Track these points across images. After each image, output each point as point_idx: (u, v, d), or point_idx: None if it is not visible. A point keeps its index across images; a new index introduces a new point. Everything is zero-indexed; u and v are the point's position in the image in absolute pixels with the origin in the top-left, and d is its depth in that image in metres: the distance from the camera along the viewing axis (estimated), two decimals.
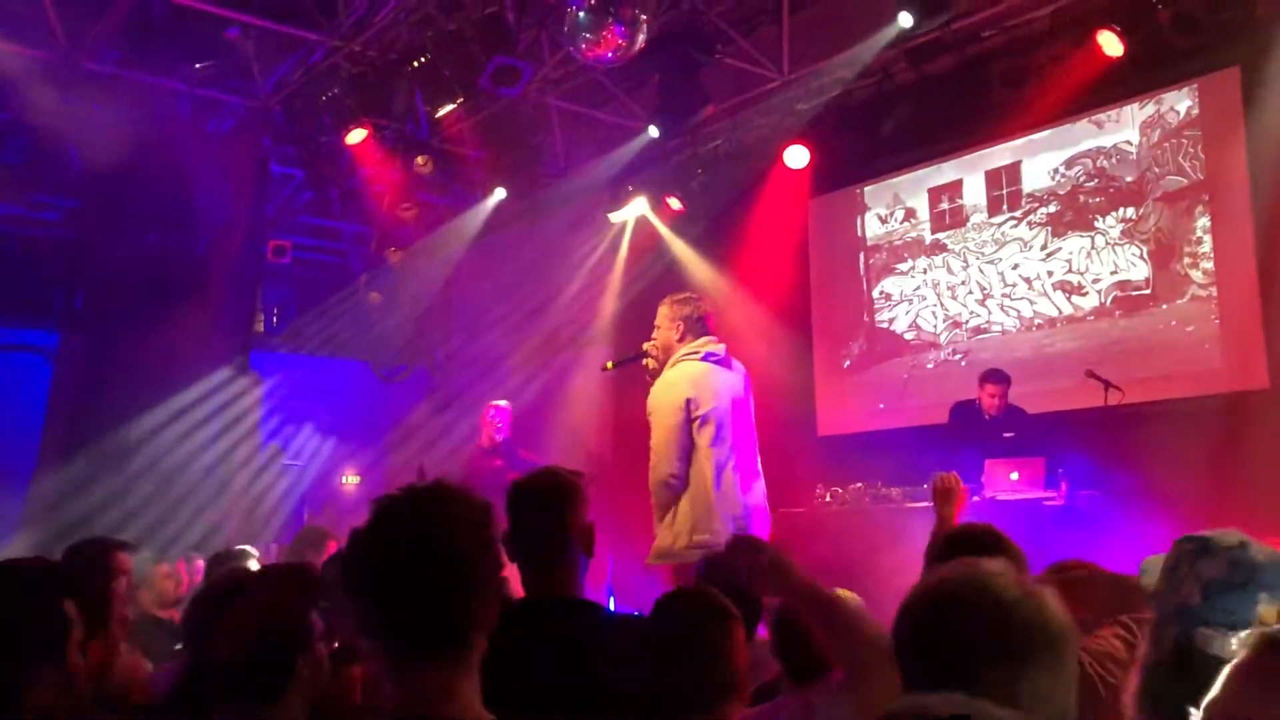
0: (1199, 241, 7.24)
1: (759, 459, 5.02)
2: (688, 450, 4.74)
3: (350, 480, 10.63)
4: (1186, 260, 7.29)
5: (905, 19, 6.63)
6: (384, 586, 1.72)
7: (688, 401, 4.75)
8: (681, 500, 4.74)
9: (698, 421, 4.75)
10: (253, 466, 9.30)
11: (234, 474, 8.90)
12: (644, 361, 5.02)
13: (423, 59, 7.61)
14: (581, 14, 6.48)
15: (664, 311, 5.02)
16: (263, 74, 8.54)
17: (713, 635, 2.39)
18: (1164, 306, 7.37)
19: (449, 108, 7.90)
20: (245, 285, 9.58)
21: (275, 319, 11.52)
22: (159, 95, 8.62)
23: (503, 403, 8.17)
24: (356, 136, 8.30)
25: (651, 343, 5.02)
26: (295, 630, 2.22)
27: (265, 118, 8.94)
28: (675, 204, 9.39)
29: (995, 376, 7.01)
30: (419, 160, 9.10)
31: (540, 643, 2.46)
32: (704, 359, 4.88)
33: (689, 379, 4.81)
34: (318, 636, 2.27)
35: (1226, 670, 1.49)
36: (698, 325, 4.95)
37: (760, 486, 4.96)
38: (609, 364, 5.19)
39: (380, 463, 10.57)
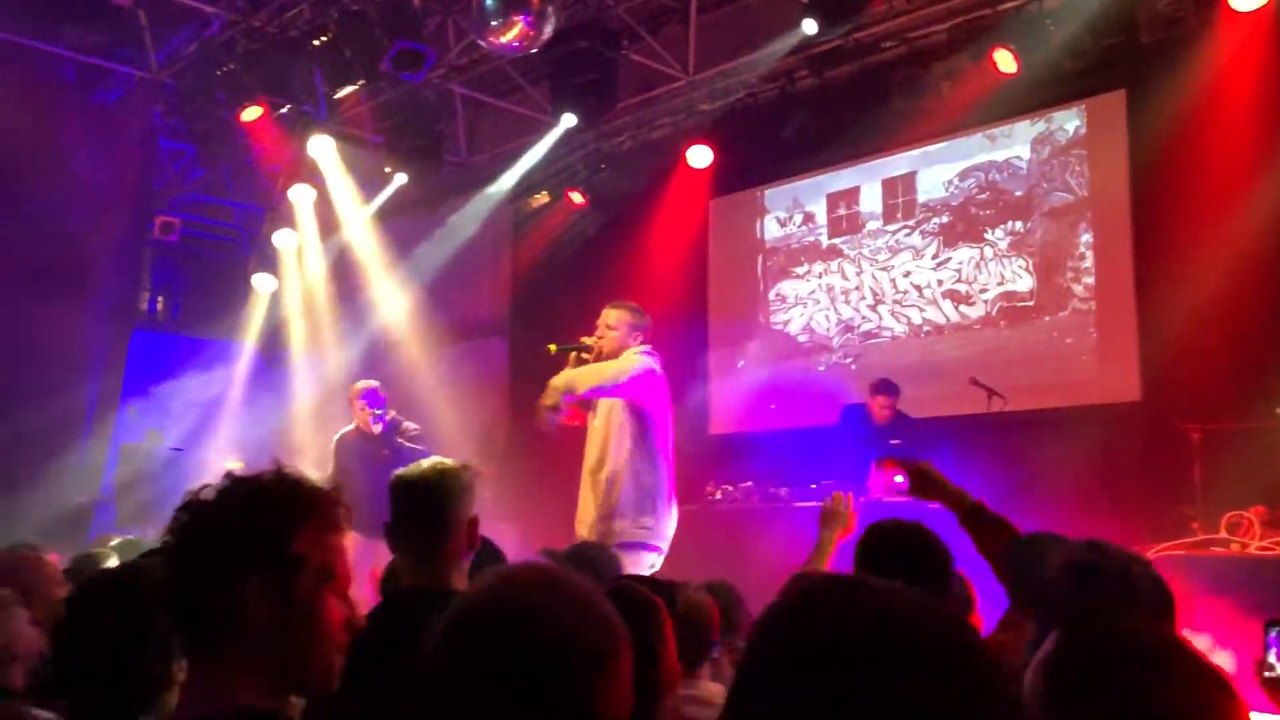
0: (1081, 257, 7.50)
1: None
2: (628, 420, 4.89)
3: (233, 466, 10.33)
4: (1069, 274, 7.55)
5: (809, 26, 6.71)
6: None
7: (649, 372, 4.90)
8: (623, 482, 4.85)
9: (649, 408, 4.92)
10: (132, 451, 9.00)
11: (108, 460, 8.61)
12: (583, 355, 5.07)
13: (324, 38, 7.45)
14: (489, 2, 6.42)
15: (620, 316, 5.07)
16: (155, 44, 8.26)
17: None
18: (1046, 318, 7.62)
19: (349, 89, 7.76)
20: (128, 262, 9.25)
21: (161, 299, 11.16)
22: (41, 60, 8.27)
23: (373, 383, 6.91)
24: (252, 114, 8.07)
25: (598, 340, 5.05)
26: None
27: (156, 90, 8.65)
28: (577, 198, 9.37)
29: (886, 389, 7.13)
30: (315, 142, 8.90)
31: (412, 636, 2.42)
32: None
33: (649, 365, 4.94)
34: None
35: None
36: (644, 334, 5.10)
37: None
38: (552, 346, 5.20)
39: (266, 449, 10.30)
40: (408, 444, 6.62)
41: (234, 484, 1.55)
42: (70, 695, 2.08)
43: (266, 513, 1.53)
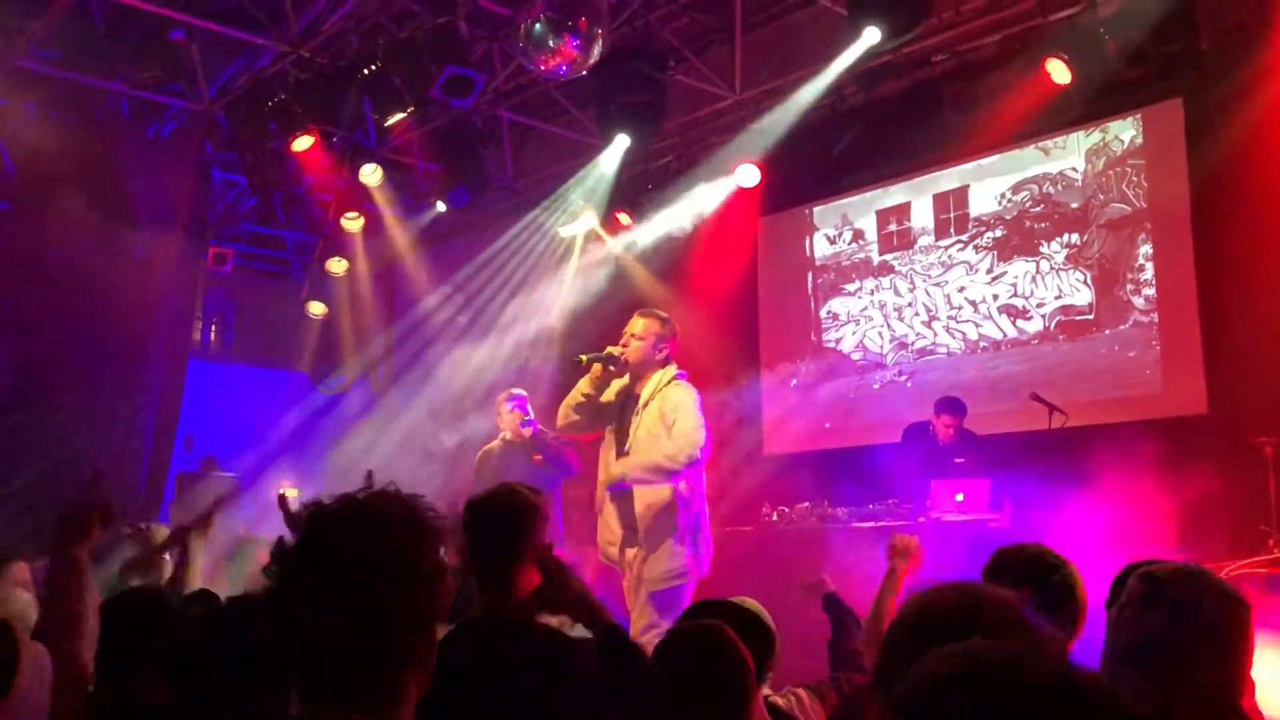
0: (1141, 269, 7.36)
1: None
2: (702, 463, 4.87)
3: (288, 492, 10.40)
4: (1129, 287, 7.40)
5: (872, 34, 6.63)
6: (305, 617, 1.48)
7: (705, 425, 4.87)
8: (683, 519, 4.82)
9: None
10: (188, 480, 9.09)
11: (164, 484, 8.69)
12: (609, 367, 5.01)
13: (373, 67, 7.51)
14: (537, 26, 6.44)
15: (647, 326, 5.03)
16: (207, 78, 8.37)
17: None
18: (1106, 332, 7.48)
19: (399, 117, 7.81)
20: (183, 292, 9.36)
21: (215, 327, 11.29)
22: (97, 96, 8.43)
23: (519, 390, 6.84)
24: (303, 143, 8.15)
25: (623, 350, 5.01)
26: None
27: (208, 122, 8.76)
28: (625, 219, 9.36)
29: (952, 408, 6.99)
30: (366, 170, 8.97)
31: (488, 665, 2.40)
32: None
33: (700, 413, 4.89)
34: None
35: None
36: (670, 345, 5.04)
37: None
38: (583, 357, 5.13)
39: (320, 474, 10.37)
40: (559, 443, 6.41)
41: None
42: None
43: None
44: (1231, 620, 2.02)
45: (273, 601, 1.53)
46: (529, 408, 6.64)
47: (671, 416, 4.85)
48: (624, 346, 5.02)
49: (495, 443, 6.78)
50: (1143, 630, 2.00)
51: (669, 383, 4.98)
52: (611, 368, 5.02)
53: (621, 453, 5.00)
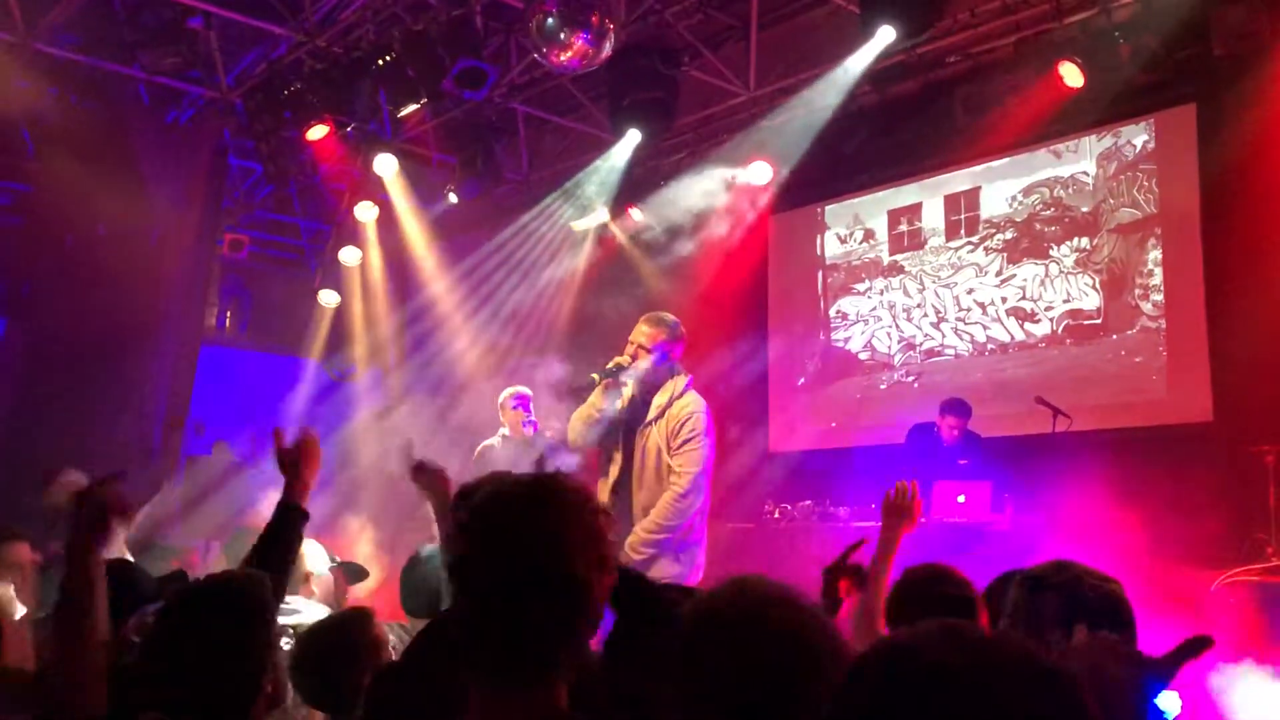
0: (1150, 274, 7.34)
1: None
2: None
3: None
4: (1138, 292, 7.39)
5: (887, 34, 6.61)
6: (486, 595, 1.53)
7: (713, 442, 4.88)
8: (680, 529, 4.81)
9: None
10: (198, 465, 9.17)
11: (174, 469, 8.77)
12: (620, 378, 4.97)
13: (388, 58, 7.55)
14: (550, 20, 6.46)
15: (653, 335, 4.93)
16: (225, 65, 8.43)
17: None
18: (1114, 336, 7.47)
19: (412, 107, 7.84)
20: (198, 279, 9.43)
21: (229, 314, 11.37)
22: (116, 82, 8.49)
23: (524, 388, 6.75)
24: (318, 133, 8.19)
25: (631, 360, 4.93)
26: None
27: (225, 110, 8.83)
28: (637, 214, 9.38)
29: (957, 409, 6.98)
30: (380, 160, 9.02)
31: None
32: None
33: (708, 430, 4.87)
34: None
35: None
36: (676, 351, 4.98)
37: None
38: (595, 376, 5.07)
39: (329, 462, 10.43)
40: (558, 443, 6.28)
41: None
42: (161, 704, 2.08)
43: None
44: (1110, 593, 2.16)
45: (455, 571, 1.57)
46: (532, 407, 6.61)
47: (677, 439, 4.81)
48: (631, 357, 4.93)
49: (495, 439, 6.73)
50: (1034, 617, 2.10)
51: (680, 395, 4.92)
52: (625, 380, 4.96)
53: (628, 467, 4.94)
